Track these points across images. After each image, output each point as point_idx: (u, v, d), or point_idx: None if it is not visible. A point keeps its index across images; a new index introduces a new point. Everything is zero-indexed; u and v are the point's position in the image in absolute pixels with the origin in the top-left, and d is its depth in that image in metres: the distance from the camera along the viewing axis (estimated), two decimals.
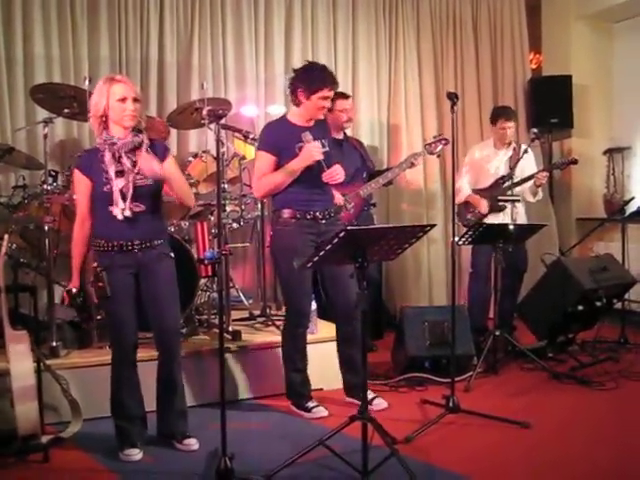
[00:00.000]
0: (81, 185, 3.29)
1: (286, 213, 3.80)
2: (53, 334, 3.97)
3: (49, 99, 4.55)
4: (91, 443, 3.48)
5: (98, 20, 5.35)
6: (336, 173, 3.74)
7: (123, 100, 3.20)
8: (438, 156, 4.60)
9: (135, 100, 3.22)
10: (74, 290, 3.35)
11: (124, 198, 3.20)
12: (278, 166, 3.77)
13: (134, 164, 3.22)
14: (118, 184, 3.20)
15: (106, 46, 5.38)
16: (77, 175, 3.30)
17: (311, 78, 3.73)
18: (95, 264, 3.24)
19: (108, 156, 3.22)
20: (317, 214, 3.81)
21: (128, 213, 3.19)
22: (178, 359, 3.47)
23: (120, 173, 3.21)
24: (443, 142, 4.49)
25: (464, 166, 5.48)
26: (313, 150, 3.68)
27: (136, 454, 3.33)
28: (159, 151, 3.33)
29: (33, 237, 4.46)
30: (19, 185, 4.67)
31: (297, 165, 3.71)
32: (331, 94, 3.78)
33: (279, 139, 3.78)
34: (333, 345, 4.26)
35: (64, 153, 5.22)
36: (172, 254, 3.42)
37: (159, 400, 3.49)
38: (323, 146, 3.77)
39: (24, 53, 5.13)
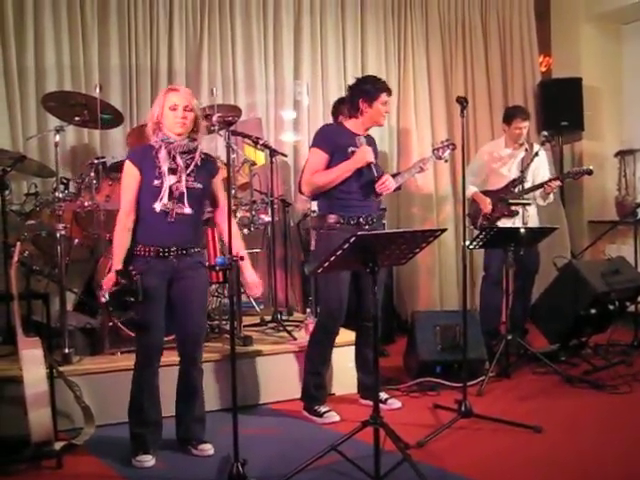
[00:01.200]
0: (130, 177, 3.29)
1: (331, 218, 3.91)
2: (65, 341, 3.98)
3: (60, 107, 4.59)
4: (104, 449, 3.49)
5: (108, 28, 5.39)
6: (388, 183, 3.94)
7: (174, 108, 3.26)
8: (446, 161, 4.60)
9: (187, 109, 3.27)
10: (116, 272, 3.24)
11: (170, 197, 3.23)
12: (329, 166, 3.91)
13: (187, 166, 3.28)
14: (170, 180, 3.23)
15: (116, 54, 5.42)
16: (127, 167, 3.31)
17: (371, 87, 3.95)
18: (131, 267, 3.22)
19: (163, 152, 3.26)
20: (361, 220, 3.91)
21: (186, 211, 3.25)
22: (199, 366, 3.48)
23: (172, 171, 3.25)
24: (451, 147, 4.48)
25: (473, 163, 5.45)
26: (367, 153, 3.85)
27: (148, 460, 3.33)
28: (211, 164, 3.42)
29: (45, 244, 4.49)
30: (31, 193, 4.71)
31: (351, 165, 3.87)
32: (389, 99, 4.01)
33: (335, 140, 3.94)
34: (346, 350, 4.28)
35: (75, 161, 5.25)
36: (207, 263, 3.46)
37: (178, 405, 3.50)
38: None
39: (35, 62, 5.16)
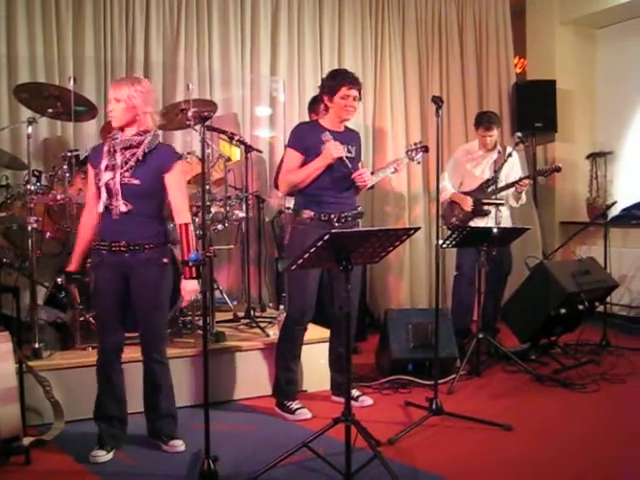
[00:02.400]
0: (89, 175, 3.39)
1: (304, 213, 3.93)
2: (35, 335, 3.94)
3: (33, 99, 4.53)
4: (74, 445, 3.46)
5: (83, 20, 5.33)
6: (365, 175, 3.92)
7: (109, 101, 3.26)
8: (418, 163, 4.63)
9: (116, 100, 3.23)
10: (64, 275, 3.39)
11: (111, 194, 3.22)
12: (304, 164, 3.91)
13: (126, 161, 3.23)
14: (104, 177, 3.22)
15: (91, 46, 5.35)
16: (88, 165, 3.43)
17: (332, 82, 3.93)
18: (89, 260, 3.30)
19: (105, 150, 3.27)
20: (332, 216, 3.91)
21: (118, 210, 3.21)
22: (162, 361, 3.45)
23: (110, 168, 3.23)
24: (423, 149, 4.50)
25: (448, 165, 5.50)
26: (333, 148, 3.82)
27: (102, 455, 3.29)
28: (160, 159, 3.29)
29: (16, 237, 4.43)
30: (2, 185, 4.64)
31: (318, 163, 3.86)
32: (355, 92, 3.91)
33: (308, 138, 3.92)
34: (318, 347, 4.29)
35: (48, 153, 5.19)
36: (165, 260, 3.36)
37: (145, 401, 3.49)
38: (348, 151, 3.93)
39: (8, 53, 5.10)
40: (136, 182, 3.23)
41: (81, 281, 3.44)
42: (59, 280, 3.44)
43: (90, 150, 3.65)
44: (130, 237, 3.25)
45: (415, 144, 4.57)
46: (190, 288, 3.30)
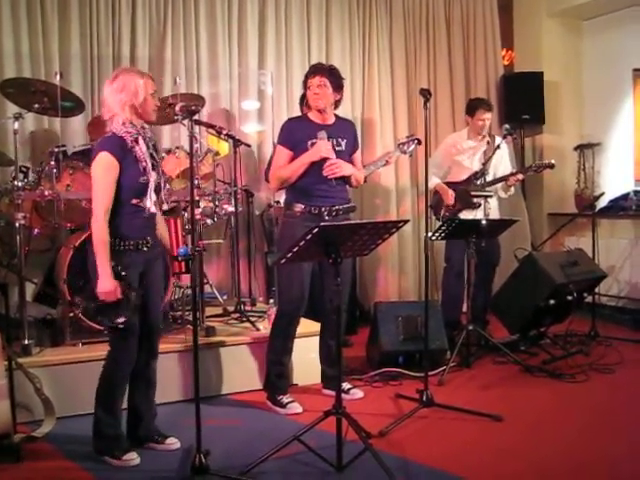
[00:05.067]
0: (112, 172, 3.03)
1: (295, 206, 3.95)
2: (25, 332, 3.92)
3: (19, 94, 4.50)
4: (65, 442, 3.45)
5: (69, 15, 5.28)
6: (336, 166, 3.86)
7: (154, 95, 3.24)
8: (410, 156, 4.64)
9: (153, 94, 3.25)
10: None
11: (157, 192, 3.20)
12: (293, 160, 3.93)
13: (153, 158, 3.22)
14: (154, 177, 3.17)
15: (77, 41, 5.31)
16: (109, 161, 3.03)
17: (306, 74, 3.99)
18: (113, 263, 3.04)
19: (143, 146, 3.12)
20: (322, 209, 3.91)
21: (166, 206, 3.24)
22: (157, 357, 3.41)
23: (153, 167, 3.18)
24: (415, 142, 4.50)
25: (436, 154, 5.48)
26: (322, 147, 3.84)
27: (136, 457, 3.23)
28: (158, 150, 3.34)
29: (4, 234, 4.42)
30: None
31: (305, 159, 3.88)
32: (318, 80, 3.89)
33: (296, 134, 3.95)
34: (309, 341, 4.30)
35: (35, 149, 5.15)
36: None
37: (138, 402, 3.37)
38: (338, 144, 3.94)
39: None
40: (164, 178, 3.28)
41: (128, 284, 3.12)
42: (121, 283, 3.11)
43: (107, 143, 3.08)
44: (152, 234, 3.24)
45: (407, 137, 4.57)
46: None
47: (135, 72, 3.23)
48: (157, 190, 3.21)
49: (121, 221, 3.10)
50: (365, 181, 5.30)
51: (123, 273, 3.04)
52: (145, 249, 3.18)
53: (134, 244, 3.13)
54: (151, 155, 3.18)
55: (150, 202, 3.15)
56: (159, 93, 5.35)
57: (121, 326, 3.06)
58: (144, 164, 3.11)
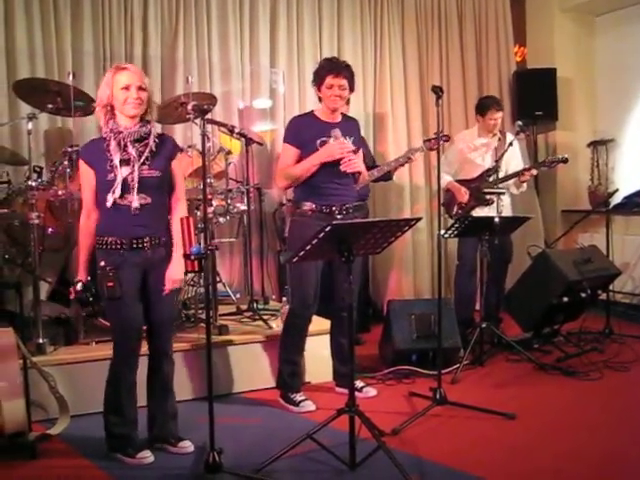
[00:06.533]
0: (84, 176, 3.18)
1: (305, 205, 3.90)
2: (39, 331, 3.95)
3: (33, 94, 4.53)
4: (79, 440, 3.47)
5: (81, 14, 5.31)
6: (354, 161, 3.76)
7: (127, 88, 3.10)
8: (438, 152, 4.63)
9: (140, 89, 3.12)
10: (79, 285, 3.20)
11: (127, 189, 3.10)
12: (301, 159, 3.87)
13: (140, 154, 3.14)
14: (123, 172, 3.10)
15: (90, 40, 5.34)
16: (81, 166, 3.19)
17: (319, 71, 3.89)
18: (102, 263, 3.10)
19: (113, 144, 3.12)
20: (333, 208, 3.87)
21: (137, 204, 3.10)
22: (171, 358, 3.39)
23: (125, 162, 3.12)
24: (444, 139, 4.48)
25: (447, 152, 5.46)
26: (335, 149, 3.76)
27: (150, 455, 3.24)
28: (168, 147, 3.25)
29: (18, 233, 4.43)
30: (3, 181, 4.63)
31: (315, 160, 3.81)
32: (340, 81, 3.82)
33: (303, 133, 3.88)
34: (321, 339, 4.29)
35: (49, 149, 5.18)
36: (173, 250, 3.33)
37: (151, 403, 3.37)
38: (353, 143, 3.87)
39: (6, 48, 5.08)
40: (157, 174, 3.17)
41: (95, 290, 3.22)
42: (78, 286, 3.21)
43: (82, 148, 3.36)
44: (152, 232, 3.17)
45: (435, 134, 4.57)
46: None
47: (113, 68, 3.23)
48: (125, 185, 3.10)
49: (104, 220, 3.17)
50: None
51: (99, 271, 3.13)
52: (145, 249, 3.16)
53: (127, 243, 3.12)
54: (137, 150, 3.13)
55: (111, 197, 3.09)
56: (171, 92, 5.43)
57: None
58: (111, 162, 3.11)
